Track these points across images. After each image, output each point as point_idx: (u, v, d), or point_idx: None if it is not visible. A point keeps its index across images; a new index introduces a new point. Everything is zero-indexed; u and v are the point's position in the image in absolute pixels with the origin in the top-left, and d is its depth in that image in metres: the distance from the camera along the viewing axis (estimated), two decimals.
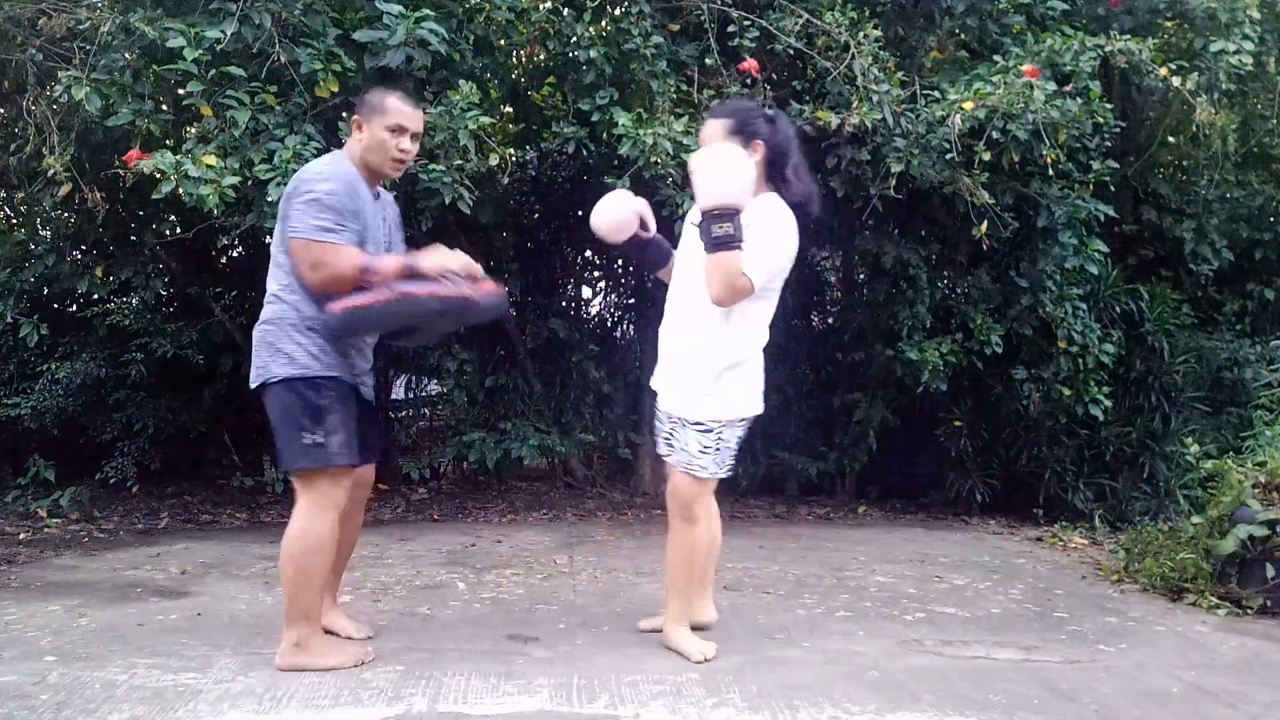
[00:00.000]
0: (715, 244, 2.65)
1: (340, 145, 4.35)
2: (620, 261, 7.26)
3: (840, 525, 5.74)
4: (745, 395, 2.87)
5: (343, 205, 2.69)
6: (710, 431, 2.85)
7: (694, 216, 2.84)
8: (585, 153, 5.20)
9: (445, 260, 2.69)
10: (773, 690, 2.65)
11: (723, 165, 2.66)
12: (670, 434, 2.93)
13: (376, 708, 2.47)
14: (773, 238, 2.76)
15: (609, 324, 7.31)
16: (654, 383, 3.01)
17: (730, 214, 2.63)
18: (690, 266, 2.88)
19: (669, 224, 4.95)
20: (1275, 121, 6.05)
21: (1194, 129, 5.37)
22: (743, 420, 2.90)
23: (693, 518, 2.91)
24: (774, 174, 2.88)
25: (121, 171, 4.18)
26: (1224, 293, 6.62)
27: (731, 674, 2.77)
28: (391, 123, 2.81)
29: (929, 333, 5.63)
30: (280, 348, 2.75)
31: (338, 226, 2.67)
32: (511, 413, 6.04)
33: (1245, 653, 3.19)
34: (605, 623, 3.37)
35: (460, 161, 4.43)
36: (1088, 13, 5.58)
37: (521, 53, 5.70)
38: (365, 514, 5.53)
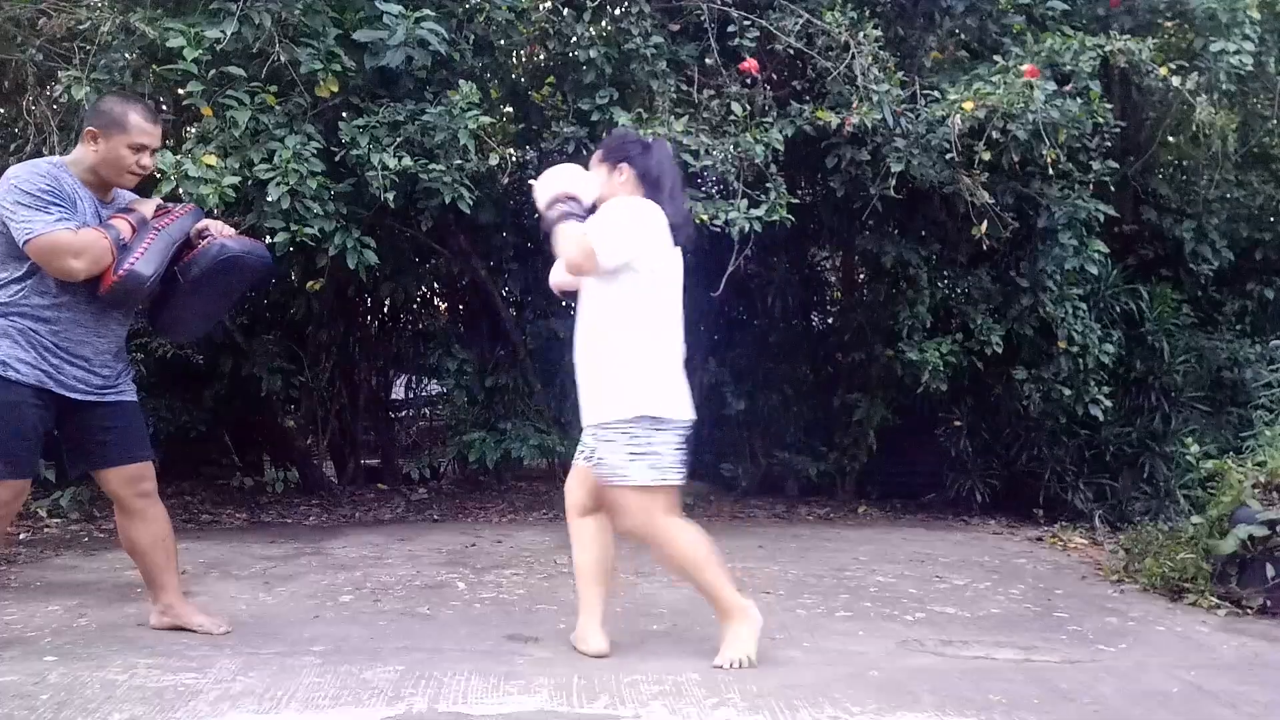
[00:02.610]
0: (555, 220, 2.82)
1: (340, 145, 4.38)
2: None
3: (840, 525, 5.74)
4: (658, 395, 2.79)
5: (53, 191, 2.68)
6: (626, 433, 2.76)
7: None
8: (585, 153, 5.19)
9: (151, 203, 2.88)
10: (773, 690, 2.65)
11: (553, 175, 2.93)
12: (593, 450, 2.87)
13: (376, 708, 2.47)
14: (619, 218, 2.82)
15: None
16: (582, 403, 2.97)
17: (564, 198, 2.84)
18: (588, 294, 2.92)
19: None
20: (1275, 121, 6.05)
21: (1194, 129, 5.36)
22: (665, 421, 2.79)
23: (656, 531, 2.81)
24: (652, 195, 2.91)
25: None
26: (1224, 293, 6.62)
27: (731, 674, 2.77)
28: (134, 141, 2.77)
29: (929, 333, 5.63)
30: None
31: (66, 216, 2.67)
32: (511, 413, 6.03)
33: (1245, 653, 3.19)
34: (605, 623, 3.36)
35: (460, 161, 4.43)
36: (1088, 13, 5.58)
37: (521, 53, 5.70)
38: (366, 514, 5.49)
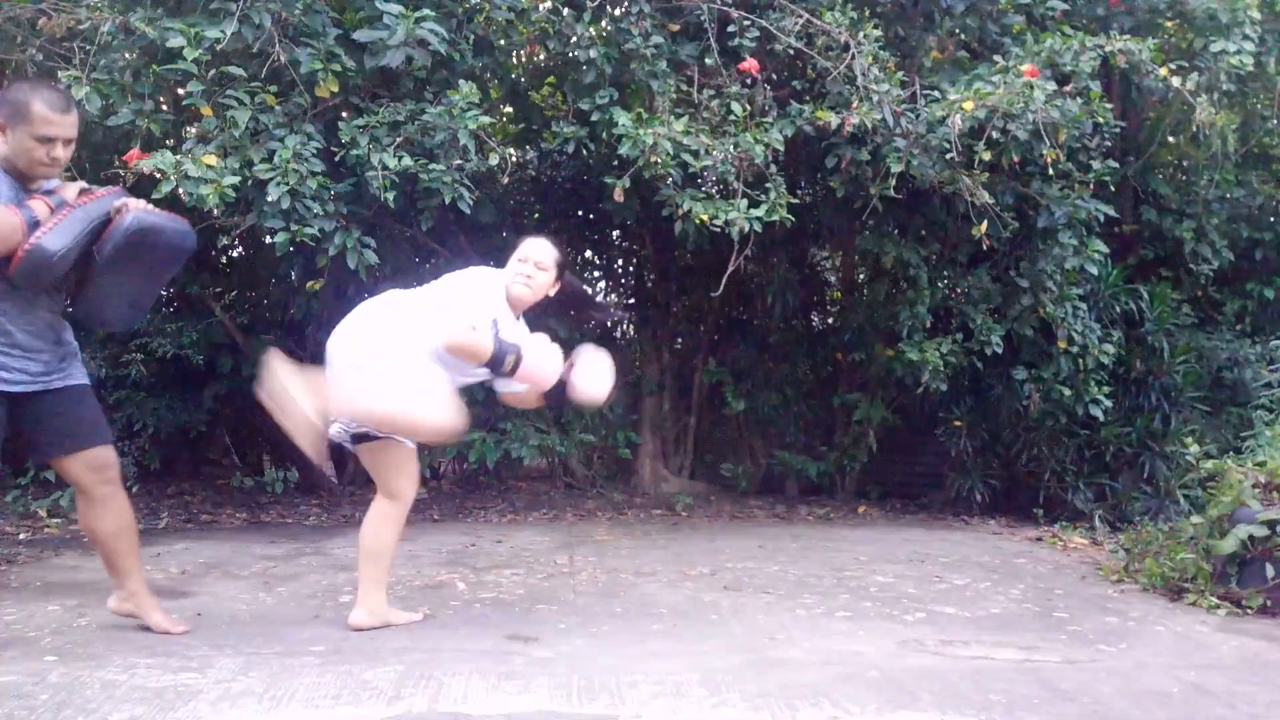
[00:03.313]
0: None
1: (340, 145, 4.38)
2: (620, 261, 7.27)
3: (840, 525, 5.74)
4: None
5: None
6: None
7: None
8: (585, 153, 5.20)
9: (76, 185, 2.75)
10: (773, 690, 2.65)
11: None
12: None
13: (376, 708, 2.46)
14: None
15: (609, 324, 7.31)
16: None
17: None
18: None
19: (668, 223, 4.97)
20: (1275, 121, 6.05)
21: (1194, 129, 5.36)
22: None
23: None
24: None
25: (121, 171, 4.17)
26: (1224, 293, 6.62)
27: (731, 674, 2.77)
28: (38, 132, 2.63)
29: (929, 333, 5.63)
30: None
31: None
32: (511, 413, 6.03)
33: (1245, 653, 3.19)
34: (605, 623, 3.37)
35: (460, 161, 4.43)
36: (1088, 13, 5.58)
37: (521, 53, 5.70)
38: (365, 514, 5.51)
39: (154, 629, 3.06)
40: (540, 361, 3.03)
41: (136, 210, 2.77)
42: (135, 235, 2.73)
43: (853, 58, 4.74)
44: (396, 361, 2.94)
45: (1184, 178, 6.51)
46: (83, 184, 2.87)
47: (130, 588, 3.07)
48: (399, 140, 4.39)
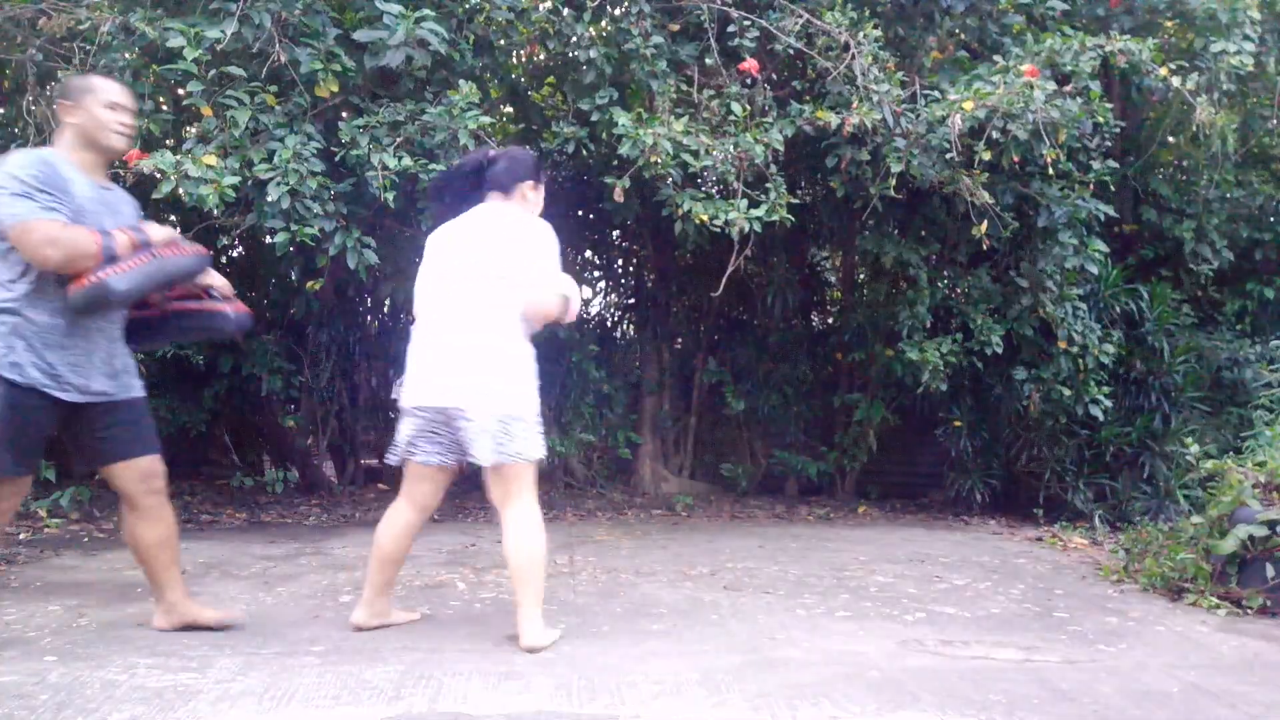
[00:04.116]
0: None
1: (340, 145, 4.38)
2: (620, 261, 7.27)
3: (840, 525, 5.74)
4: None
5: (47, 182, 2.67)
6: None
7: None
8: (585, 153, 5.20)
9: (167, 231, 2.86)
10: (773, 690, 2.65)
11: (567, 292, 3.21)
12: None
13: (376, 708, 2.46)
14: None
15: (609, 324, 7.31)
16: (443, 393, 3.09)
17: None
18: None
19: (668, 223, 4.97)
20: (1275, 121, 6.05)
21: (1194, 129, 5.37)
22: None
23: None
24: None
25: (121, 171, 4.17)
26: (1224, 293, 6.63)
27: (731, 674, 2.77)
28: (107, 99, 2.81)
29: (929, 333, 5.64)
30: None
31: (56, 205, 2.65)
32: None
33: (1245, 653, 3.19)
34: (605, 623, 3.37)
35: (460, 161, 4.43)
36: (1088, 13, 5.58)
37: (521, 53, 5.70)
38: (366, 514, 5.48)
39: (214, 626, 3.08)
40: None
41: (222, 309, 3.05)
42: (213, 326, 3.09)
43: (853, 58, 4.74)
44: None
45: (1184, 178, 6.51)
46: (173, 233, 2.93)
47: (170, 599, 3.09)
48: (399, 140, 4.39)
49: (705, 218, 4.63)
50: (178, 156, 3.97)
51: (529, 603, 2.98)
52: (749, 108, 4.88)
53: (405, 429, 3.15)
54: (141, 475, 2.96)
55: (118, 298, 2.71)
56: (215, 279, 3.07)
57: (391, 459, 3.17)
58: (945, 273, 5.96)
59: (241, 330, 3.18)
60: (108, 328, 2.88)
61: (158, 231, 2.88)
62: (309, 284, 5.33)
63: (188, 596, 3.15)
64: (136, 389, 2.99)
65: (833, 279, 7.46)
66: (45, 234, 2.61)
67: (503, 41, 5.22)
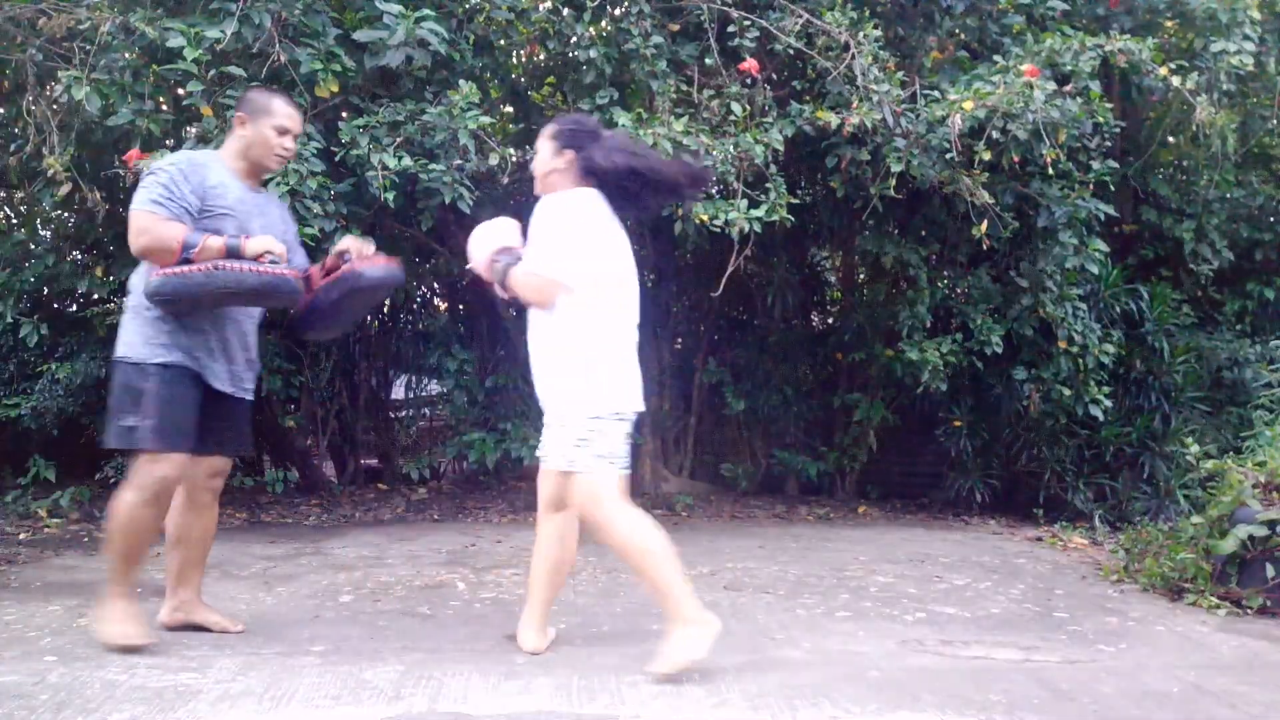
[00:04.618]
0: (503, 277, 2.88)
1: (340, 145, 4.38)
2: None
3: (840, 525, 5.74)
4: (606, 390, 2.82)
5: (174, 182, 2.80)
6: (570, 424, 2.80)
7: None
8: None
9: (269, 244, 2.81)
10: (773, 690, 2.65)
11: (482, 234, 3.01)
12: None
13: (376, 708, 2.46)
14: (558, 225, 2.81)
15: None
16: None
17: (500, 252, 2.92)
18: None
19: (668, 223, 4.96)
20: (1275, 121, 6.05)
21: (1194, 129, 5.36)
22: (618, 413, 2.83)
23: (606, 517, 2.78)
24: (597, 184, 2.90)
25: (121, 171, 4.18)
26: (1224, 293, 6.62)
27: (731, 674, 2.77)
28: (278, 123, 2.96)
29: (929, 333, 5.63)
30: (123, 329, 2.89)
31: (166, 200, 2.78)
32: (511, 413, 6.04)
33: (1245, 653, 3.19)
34: (605, 623, 3.37)
35: (460, 161, 4.43)
36: (1088, 13, 5.58)
37: (521, 53, 5.70)
38: (366, 514, 5.48)
39: (214, 629, 3.10)
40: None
41: (358, 266, 3.01)
42: (354, 290, 3.03)
43: (853, 58, 4.74)
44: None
45: (1184, 178, 6.51)
46: (272, 249, 2.82)
47: (183, 596, 3.13)
48: (399, 140, 4.39)
49: (705, 218, 4.63)
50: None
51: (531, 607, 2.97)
52: (749, 108, 4.88)
53: (623, 436, 2.85)
54: (213, 471, 3.08)
55: (157, 296, 2.77)
56: (348, 243, 3.08)
57: (619, 470, 2.83)
58: (945, 273, 5.96)
59: (389, 284, 3.14)
60: (243, 321, 3.00)
61: (253, 244, 2.79)
62: None
63: (199, 598, 3.18)
64: (249, 391, 3.08)
65: (833, 279, 7.46)
66: (139, 223, 2.77)
67: (503, 41, 5.22)
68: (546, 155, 2.94)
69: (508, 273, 2.86)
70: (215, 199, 2.86)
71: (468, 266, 3.05)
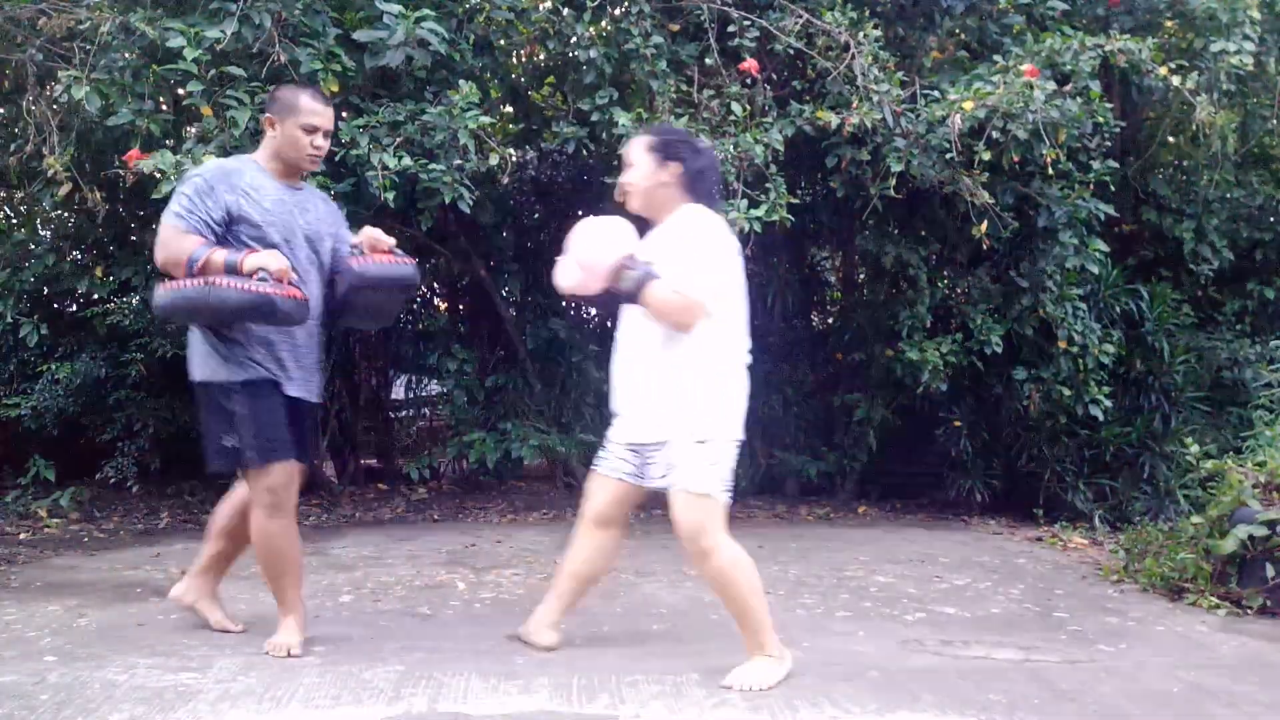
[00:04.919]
0: (635, 290, 2.67)
1: (340, 145, 4.38)
2: None
3: (840, 525, 5.74)
4: (738, 413, 2.80)
5: (199, 193, 2.79)
6: (709, 445, 2.73)
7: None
8: (585, 153, 5.20)
9: (265, 261, 2.74)
10: (773, 690, 2.65)
11: (594, 241, 2.74)
12: (647, 464, 2.83)
13: (376, 708, 2.47)
14: (700, 243, 2.74)
15: (609, 324, 7.31)
16: (625, 422, 2.90)
17: (630, 263, 2.68)
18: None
19: None
20: (1275, 121, 6.05)
21: (1194, 129, 5.36)
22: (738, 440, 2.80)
23: (712, 545, 2.75)
24: (695, 198, 2.84)
25: (121, 171, 4.18)
26: (1224, 293, 6.62)
27: (732, 674, 2.77)
28: (305, 122, 2.89)
29: (929, 333, 5.63)
30: (195, 349, 2.89)
31: (187, 213, 2.78)
32: (511, 413, 6.04)
33: (1245, 653, 3.19)
34: (605, 623, 3.37)
35: (460, 161, 4.43)
36: (1088, 13, 5.58)
37: (521, 53, 5.70)
38: (366, 514, 5.49)
39: (214, 627, 3.13)
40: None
41: (359, 264, 2.99)
42: (356, 288, 3.00)
43: (853, 58, 4.74)
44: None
45: (1184, 178, 6.51)
46: (267, 266, 2.74)
47: (202, 582, 3.16)
48: (399, 140, 4.39)
49: None
50: (178, 156, 3.97)
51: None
52: (749, 108, 4.88)
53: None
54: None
55: (157, 309, 2.80)
56: (361, 235, 3.04)
57: (727, 496, 2.82)
58: (945, 273, 5.95)
59: (395, 283, 3.05)
60: (306, 327, 2.96)
61: (251, 260, 2.72)
62: None
63: (216, 592, 3.21)
64: (316, 395, 3.08)
65: (833, 279, 7.46)
66: (161, 236, 2.80)
67: (503, 41, 5.22)
68: (649, 169, 2.82)
69: (645, 286, 2.66)
70: (252, 203, 2.83)
71: (573, 260, 2.75)
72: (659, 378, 2.77)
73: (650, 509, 5.99)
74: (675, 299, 2.66)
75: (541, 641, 2.98)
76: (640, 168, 2.84)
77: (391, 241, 3.05)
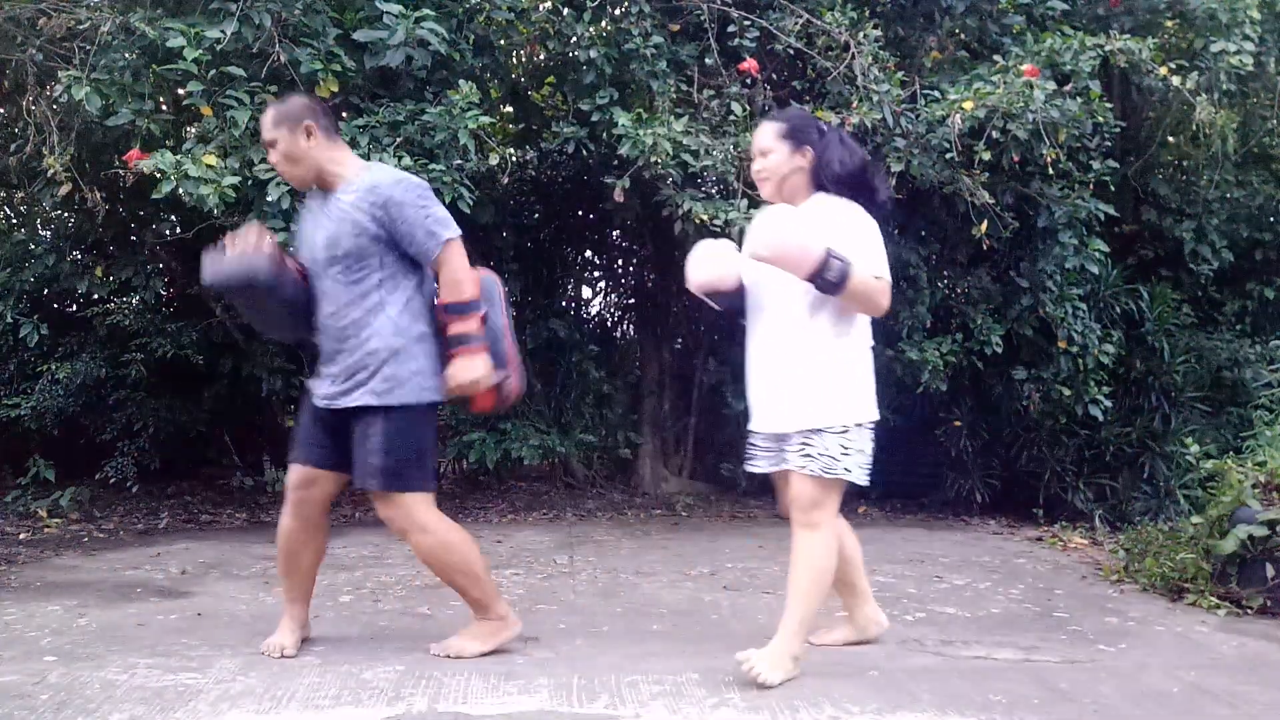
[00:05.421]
0: (840, 280, 2.61)
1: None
2: (620, 261, 7.27)
3: None
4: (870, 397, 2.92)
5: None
6: (847, 433, 2.83)
7: (755, 248, 2.69)
8: (585, 153, 5.20)
9: (245, 230, 2.75)
10: (772, 690, 2.65)
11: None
12: (782, 451, 2.85)
13: (376, 708, 2.47)
14: (865, 229, 2.74)
15: (609, 324, 7.31)
16: (764, 415, 2.90)
17: (826, 260, 2.58)
18: (768, 289, 2.83)
19: (668, 224, 4.96)
20: (1275, 121, 6.05)
21: (1194, 129, 5.36)
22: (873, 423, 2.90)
23: (820, 525, 2.78)
24: (820, 181, 2.83)
25: (121, 171, 4.18)
26: (1224, 293, 6.62)
27: (732, 674, 2.77)
28: (265, 140, 2.87)
29: (929, 333, 5.63)
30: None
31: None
32: (511, 413, 6.03)
33: (1245, 653, 3.19)
34: (605, 623, 3.37)
35: (460, 161, 4.43)
36: (1088, 13, 5.58)
37: (521, 53, 5.70)
38: (366, 514, 5.49)
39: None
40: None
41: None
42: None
43: (853, 58, 4.74)
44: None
45: (1184, 178, 6.50)
46: (246, 235, 2.73)
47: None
48: (399, 140, 4.39)
49: (705, 218, 4.62)
50: (178, 156, 3.97)
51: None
52: (749, 108, 4.88)
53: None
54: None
55: (205, 279, 2.77)
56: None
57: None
58: (945, 273, 5.95)
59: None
60: (328, 327, 2.84)
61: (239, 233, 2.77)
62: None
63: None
64: (361, 398, 2.79)
65: None
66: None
67: (503, 41, 5.22)
68: (784, 155, 2.79)
69: (848, 273, 2.59)
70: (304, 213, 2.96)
71: (772, 253, 2.63)
72: (800, 364, 2.79)
73: (650, 509, 6.00)
74: (876, 284, 2.67)
75: (775, 680, 2.71)
76: (776, 154, 2.81)
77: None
